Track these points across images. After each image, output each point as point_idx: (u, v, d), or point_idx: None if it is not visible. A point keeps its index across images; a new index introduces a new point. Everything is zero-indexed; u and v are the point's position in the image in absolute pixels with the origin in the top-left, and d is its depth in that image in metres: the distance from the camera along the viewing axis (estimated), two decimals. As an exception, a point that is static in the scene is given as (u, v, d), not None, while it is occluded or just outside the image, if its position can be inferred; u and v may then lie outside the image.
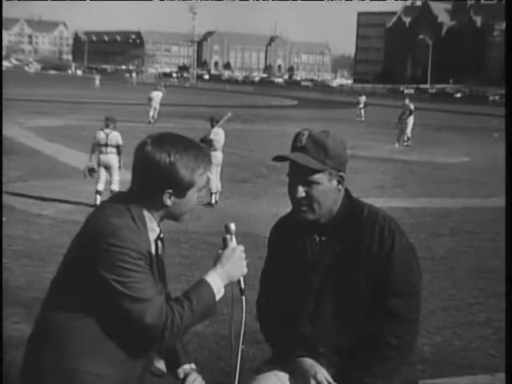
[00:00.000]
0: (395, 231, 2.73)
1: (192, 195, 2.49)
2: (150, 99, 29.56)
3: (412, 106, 25.88)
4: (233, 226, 2.58)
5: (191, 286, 2.47)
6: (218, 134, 12.23)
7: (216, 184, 12.06)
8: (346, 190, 2.82)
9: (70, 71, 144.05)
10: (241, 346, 2.53)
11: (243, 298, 2.54)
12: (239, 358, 2.53)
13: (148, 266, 2.41)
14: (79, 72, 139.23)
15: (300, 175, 2.71)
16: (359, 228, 2.74)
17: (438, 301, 6.83)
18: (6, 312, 5.05)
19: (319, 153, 2.68)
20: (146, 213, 2.46)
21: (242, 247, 2.55)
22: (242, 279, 2.54)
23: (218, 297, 2.46)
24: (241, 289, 2.54)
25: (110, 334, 2.41)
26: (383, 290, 2.69)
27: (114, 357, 2.42)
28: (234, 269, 2.51)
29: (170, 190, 2.44)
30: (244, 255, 2.54)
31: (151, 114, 29.19)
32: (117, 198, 2.51)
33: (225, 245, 2.56)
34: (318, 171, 2.68)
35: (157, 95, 29.96)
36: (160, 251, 2.54)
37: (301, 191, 2.71)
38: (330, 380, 2.71)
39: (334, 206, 2.76)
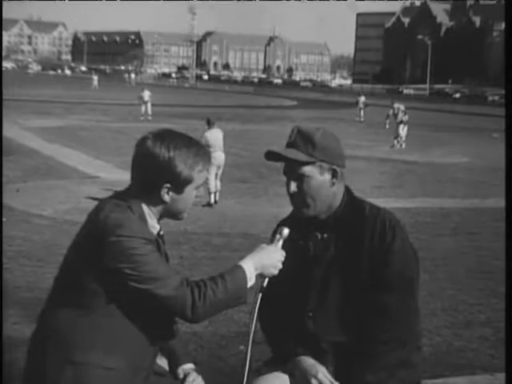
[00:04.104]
0: (395, 226, 2.73)
1: (190, 192, 2.50)
2: (141, 98, 33.34)
3: (403, 107, 26.08)
4: (286, 231, 2.62)
5: (226, 269, 2.48)
6: (215, 135, 12.23)
7: (214, 183, 12.06)
8: (347, 188, 2.82)
9: (59, 71, 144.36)
10: (250, 342, 2.53)
11: (259, 295, 2.56)
12: (248, 357, 2.53)
13: (157, 250, 2.44)
14: (67, 72, 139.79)
15: (291, 170, 2.72)
16: (361, 224, 2.73)
17: (437, 301, 6.83)
18: (6, 312, 5.05)
19: (306, 146, 2.68)
20: (145, 209, 2.48)
21: (284, 253, 2.59)
22: (266, 279, 2.56)
23: (249, 283, 2.48)
24: (262, 286, 2.56)
25: (119, 327, 2.42)
26: (378, 283, 2.68)
27: (123, 349, 2.44)
28: (269, 265, 2.53)
29: (167, 185, 2.45)
30: (283, 260, 2.57)
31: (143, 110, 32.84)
32: (116, 196, 2.52)
33: (271, 242, 2.61)
34: (307, 164, 2.68)
35: (146, 94, 33.44)
36: (162, 247, 2.55)
37: (293, 186, 2.71)
38: (331, 379, 2.70)
39: (333, 202, 2.75)
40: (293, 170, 2.71)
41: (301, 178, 2.69)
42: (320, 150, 2.68)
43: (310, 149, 2.68)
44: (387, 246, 2.69)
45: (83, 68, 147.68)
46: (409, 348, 2.76)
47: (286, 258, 2.62)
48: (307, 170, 2.68)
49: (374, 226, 2.71)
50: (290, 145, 2.72)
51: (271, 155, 2.73)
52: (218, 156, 12.14)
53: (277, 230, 2.66)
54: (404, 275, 2.71)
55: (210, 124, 12.30)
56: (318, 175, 2.69)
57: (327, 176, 2.71)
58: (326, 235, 2.77)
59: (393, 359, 2.70)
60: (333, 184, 2.73)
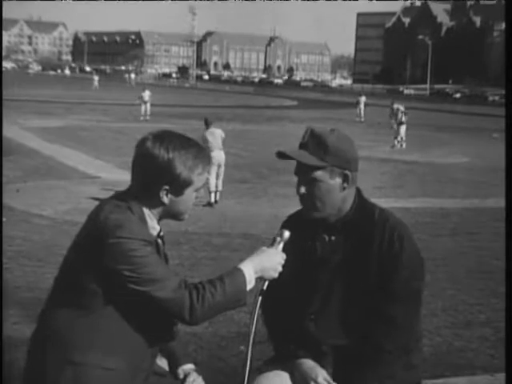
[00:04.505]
0: (404, 235, 2.70)
1: (189, 194, 2.50)
2: (141, 98, 33.22)
3: (402, 108, 26.06)
4: (286, 234, 2.61)
5: (225, 272, 2.48)
6: (213, 134, 12.23)
7: (214, 183, 12.07)
8: (359, 191, 2.79)
9: (59, 71, 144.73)
10: (251, 345, 2.53)
11: (259, 298, 2.56)
12: (249, 357, 2.54)
13: (156, 252, 2.44)
14: (67, 72, 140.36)
15: (302, 172, 2.69)
16: (369, 229, 2.70)
17: (437, 301, 6.83)
18: (6, 312, 5.05)
19: (319, 149, 2.65)
20: (145, 210, 2.48)
21: (284, 256, 2.58)
22: (266, 282, 2.56)
23: (248, 286, 2.47)
24: (262, 289, 2.56)
25: (118, 327, 2.43)
26: (384, 292, 2.67)
27: (123, 350, 2.44)
28: (269, 268, 2.53)
29: (166, 187, 2.45)
30: (283, 263, 2.56)
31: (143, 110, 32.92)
32: (116, 197, 2.52)
33: (272, 245, 2.60)
34: (318, 168, 2.65)
35: (146, 94, 33.44)
36: (161, 249, 2.55)
37: (303, 188, 2.69)
38: (332, 382, 2.70)
39: (342, 205, 2.72)
40: (303, 173, 2.68)
41: (311, 181, 2.67)
42: (332, 155, 2.65)
43: (322, 153, 2.65)
44: (395, 257, 2.66)
45: (88, 68, 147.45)
46: (411, 352, 2.77)
47: (292, 257, 2.61)
48: (318, 174, 2.66)
49: (383, 233, 2.69)
50: (302, 146, 2.69)
51: (283, 154, 2.70)
52: (218, 155, 12.13)
53: (278, 232, 2.65)
54: (411, 287, 2.70)
55: (207, 124, 12.33)
56: (328, 179, 2.67)
57: (338, 180, 2.68)
58: (333, 238, 2.75)
59: (396, 366, 2.70)
60: (343, 188, 2.70)
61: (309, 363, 2.75)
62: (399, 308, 2.67)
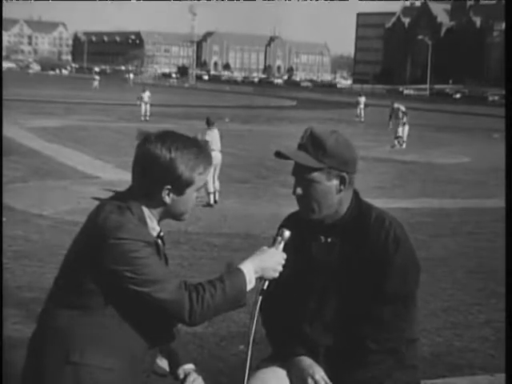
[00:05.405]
0: (400, 239, 2.69)
1: (191, 194, 2.51)
2: (141, 98, 33.03)
3: (403, 108, 26.02)
4: (287, 234, 2.62)
5: (225, 272, 2.49)
6: (212, 135, 12.23)
7: (212, 184, 12.06)
8: (356, 192, 2.78)
9: (57, 70, 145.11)
10: (251, 345, 2.54)
11: (260, 297, 2.57)
12: (249, 357, 2.55)
13: (156, 253, 2.44)
14: (65, 71, 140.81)
15: (299, 173, 2.70)
16: (365, 231, 2.70)
17: (437, 301, 6.84)
18: (6, 312, 5.05)
19: (317, 151, 2.65)
20: (145, 211, 2.48)
21: (285, 255, 2.58)
22: (267, 282, 2.57)
23: (249, 286, 2.48)
24: (262, 289, 2.57)
25: (118, 328, 2.43)
26: (375, 294, 2.67)
27: (123, 350, 2.44)
28: (269, 268, 2.54)
29: (168, 186, 2.45)
30: (283, 262, 2.57)
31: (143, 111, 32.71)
32: (116, 197, 2.52)
33: (273, 244, 2.60)
34: (315, 169, 2.65)
35: (146, 95, 33.24)
36: (161, 249, 2.55)
37: (298, 189, 2.69)
38: (328, 381, 2.70)
39: (339, 207, 2.72)
40: (300, 173, 2.68)
41: (308, 182, 2.67)
42: (330, 157, 2.65)
43: (320, 155, 2.64)
44: (388, 259, 2.66)
45: (96, 69, 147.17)
46: (402, 353, 2.75)
47: (288, 258, 2.62)
48: (315, 175, 2.66)
49: (378, 235, 2.69)
50: (301, 147, 2.69)
51: (281, 154, 2.70)
52: (216, 156, 12.13)
53: (278, 232, 2.65)
54: (401, 290, 2.69)
55: (209, 124, 12.32)
56: (325, 181, 2.67)
57: (335, 182, 2.68)
58: (330, 239, 2.75)
59: (384, 367, 2.70)
60: (340, 191, 2.69)
61: (306, 361, 2.76)
62: (388, 310, 2.67)
